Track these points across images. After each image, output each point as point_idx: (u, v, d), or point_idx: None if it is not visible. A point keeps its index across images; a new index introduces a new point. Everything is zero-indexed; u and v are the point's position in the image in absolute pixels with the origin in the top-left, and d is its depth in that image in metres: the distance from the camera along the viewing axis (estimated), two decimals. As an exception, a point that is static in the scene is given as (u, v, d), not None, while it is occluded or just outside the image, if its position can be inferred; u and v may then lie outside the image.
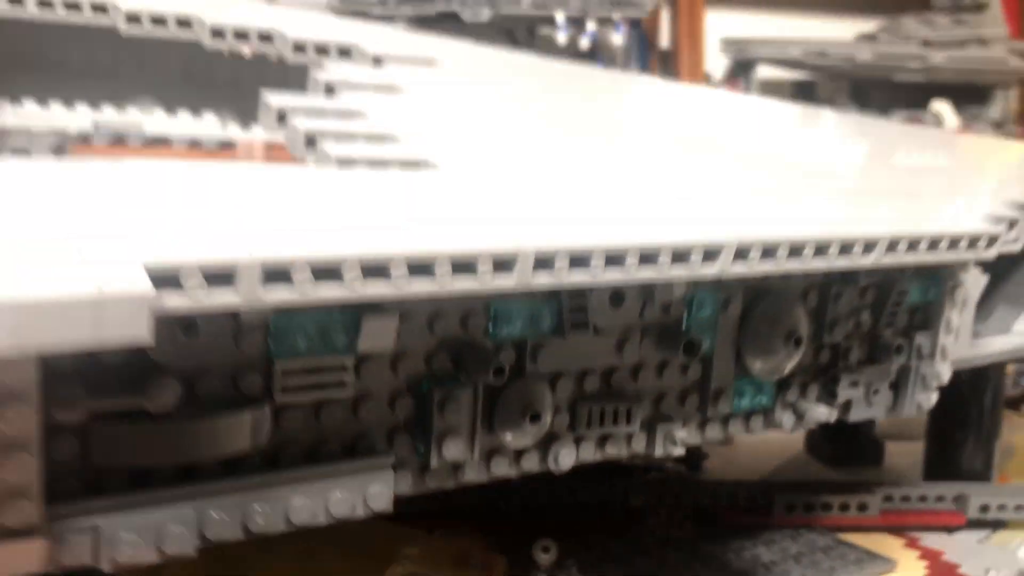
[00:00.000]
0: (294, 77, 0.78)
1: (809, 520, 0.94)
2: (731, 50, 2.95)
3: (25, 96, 0.77)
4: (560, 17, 2.76)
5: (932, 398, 0.68)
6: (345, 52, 0.75)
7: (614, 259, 0.43)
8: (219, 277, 0.34)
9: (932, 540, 0.94)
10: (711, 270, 0.46)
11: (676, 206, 0.51)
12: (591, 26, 2.82)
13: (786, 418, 0.61)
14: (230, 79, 0.81)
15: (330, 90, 0.65)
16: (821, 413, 0.61)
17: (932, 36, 2.98)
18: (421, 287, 0.38)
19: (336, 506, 0.44)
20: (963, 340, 0.80)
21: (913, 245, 0.53)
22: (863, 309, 0.63)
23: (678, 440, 0.56)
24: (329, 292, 0.36)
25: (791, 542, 0.91)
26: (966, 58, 2.97)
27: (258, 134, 0.80)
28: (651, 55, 3.00)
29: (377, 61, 0.74)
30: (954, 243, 0.55)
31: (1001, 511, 0.97)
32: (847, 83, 3.08)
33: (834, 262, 0.50)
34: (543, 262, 0.41)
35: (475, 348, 0.48)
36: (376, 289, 0.37)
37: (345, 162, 0.51)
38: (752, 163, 0.68)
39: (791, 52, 2.91)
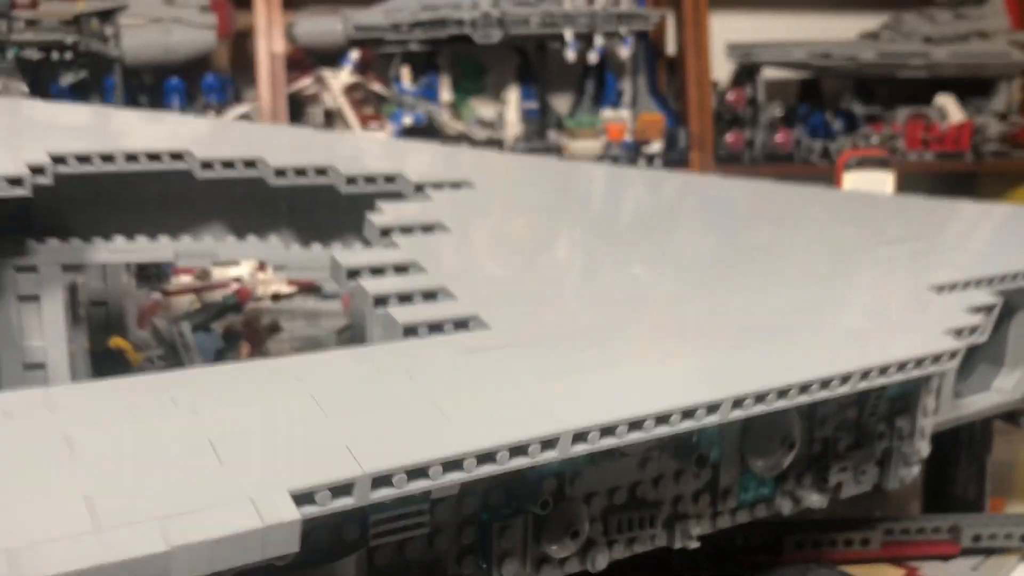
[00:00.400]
0: (344, 199, 0.89)
1: (818, 556, 1.05)
2: (735, 55, 3.03)
3: (115, 233, 0.88)
4: (568, 35, 2.85)
5: (914, 471, 0.78)
6: (391, 179, 0.86)
7: (636, 425, 0.54)
8: (341, 490, 0.45)
9: (930, 569, 1.05)
10: (714, 419, 0.57)
11: (678, 359, 0.61)
12: (599, 41, 2.91)
13: (785, 504, 0.72)
14: (290, 202, 0.92)
15: (385, 233, 0.76)
16: (815, 500, 0.72)
17: (934, 32, 3.05)
18: (486, 470, 0.49)
19: (420, 623, 0.55)
20: (944, 408, 0.90)
21: (884, 371, 0.64)
22: (848, 405, 0.74)
23: (693, 535, 0.68)
24: (419, 486, 0.47)
25: (801, 577, 1.02)
26: (969, 52, 3.04)
27: (317, 252, 0.91)
28: (658, 64, 3.08)
29: (419, 188, 0.85)
30: (919, 363, 0.66)
31: (992, 540, 1.07)
32: (852, 81, 3.16)
33: (816, 395, 0.61)
34: (580, 437, 0.52)
35: (524, 484, 0.59)
36: (453, 478, 0.48)
37: (410, 329, 0.62)
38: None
39: (795, 55, 2.99)
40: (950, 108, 3.08)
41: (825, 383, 0.61)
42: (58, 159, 0.78)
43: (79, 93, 2.77)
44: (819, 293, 0.75)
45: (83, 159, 0.79)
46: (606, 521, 0.64)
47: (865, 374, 0.63)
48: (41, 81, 2.78)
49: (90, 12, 2.67)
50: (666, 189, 0.99)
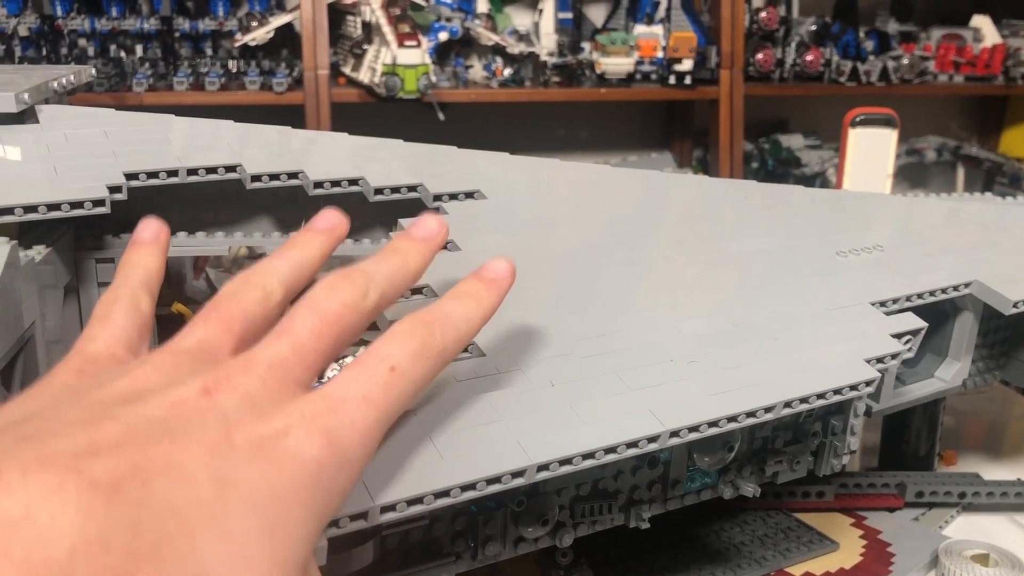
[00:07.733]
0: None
1: (779, 504, 1.21)
2: (771, -25, 3.04)
3: (178, 229, 1.03)
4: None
5: (845, 459, 0.93)
6: (413, 188, 0.99)
7: (588, 455, 0.69)
8: (358, 517, 0.61)
9: (875, 520, 1.21)
10: (654, 446, 0.72)
11: (632, 393, 0.76)
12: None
13: (726, 491, 0.88)
14: (327, 203, 1.06)
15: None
16: (748, 489, 0.87)
17: (974, -50, 3.03)
18: (469, 495, 0.65)
19: (421, 592, 0.73)
20: (885, 398, 1.04)
21: (805, 400, 0.78)
22: (787, 411, 0.88)
23: (645, 517, 0.84)
24: (416, 510, 0.63)
25: (762, 523, 1.18)
26: (1008, -29, 3.02)
27: (348, 246, 1.05)
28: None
29: (437, 198, 0.99)
30: (838, 391, 0.80)
31: (933, 496, 1.23)
32: (889, -2, 3.16)
33: (744, 423, 0.76)
34: (543, 467, 0.67)
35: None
36: (443, 502, 0.64)
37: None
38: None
39: (831, -27, 2.99)
40: (986, 29, 3.08)
41: (751, 413, 0.76)
42: (131, 176, 0.92)
43: (130, 2, 2.87)
44: (763, 315, 0.88)
45: (152, 175, 0.93)
46: (572, 508, 0.80)
47: (788, 403, 0.77)
48: (93, -8, 2.88)
49: (139, -77, 2.75)
50: (652, 193, 1.11)
